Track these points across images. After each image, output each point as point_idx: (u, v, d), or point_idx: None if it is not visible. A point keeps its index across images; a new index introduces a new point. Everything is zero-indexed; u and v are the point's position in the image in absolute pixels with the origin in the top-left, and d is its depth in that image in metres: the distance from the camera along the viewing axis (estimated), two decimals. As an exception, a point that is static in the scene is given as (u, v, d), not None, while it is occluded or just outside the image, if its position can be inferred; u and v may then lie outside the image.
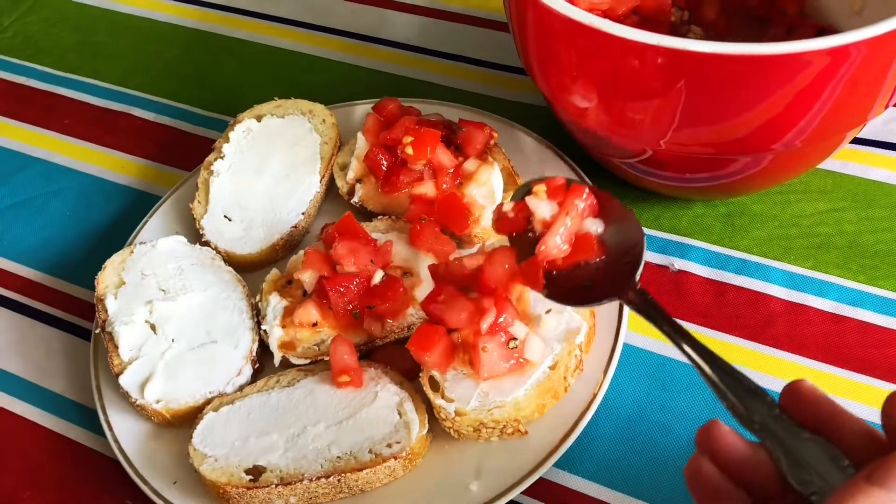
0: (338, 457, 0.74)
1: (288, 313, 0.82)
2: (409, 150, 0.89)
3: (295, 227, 0.93)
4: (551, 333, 0.77)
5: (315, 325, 0.81)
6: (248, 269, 0.91)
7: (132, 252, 0.90)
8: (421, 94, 1.09)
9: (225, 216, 0.94)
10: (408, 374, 0.79)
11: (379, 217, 0.92)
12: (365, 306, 0.81)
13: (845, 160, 0.94)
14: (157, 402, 0.79)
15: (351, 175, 0.94)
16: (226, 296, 0.86)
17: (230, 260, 0.91)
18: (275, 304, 0.83)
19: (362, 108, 1.03)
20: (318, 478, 0.72)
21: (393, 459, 0.73)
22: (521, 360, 0.75)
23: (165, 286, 0.86)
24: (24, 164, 1.13)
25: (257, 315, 0.85)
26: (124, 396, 0.80)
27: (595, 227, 0.69)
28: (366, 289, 0.82)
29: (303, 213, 0.93)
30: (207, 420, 0.78)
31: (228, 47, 1.26)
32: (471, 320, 0.74)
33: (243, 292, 0.87)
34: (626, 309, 0.80)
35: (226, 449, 0.75)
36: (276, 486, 0.72)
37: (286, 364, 0.82)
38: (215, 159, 0.97)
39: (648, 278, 0.88)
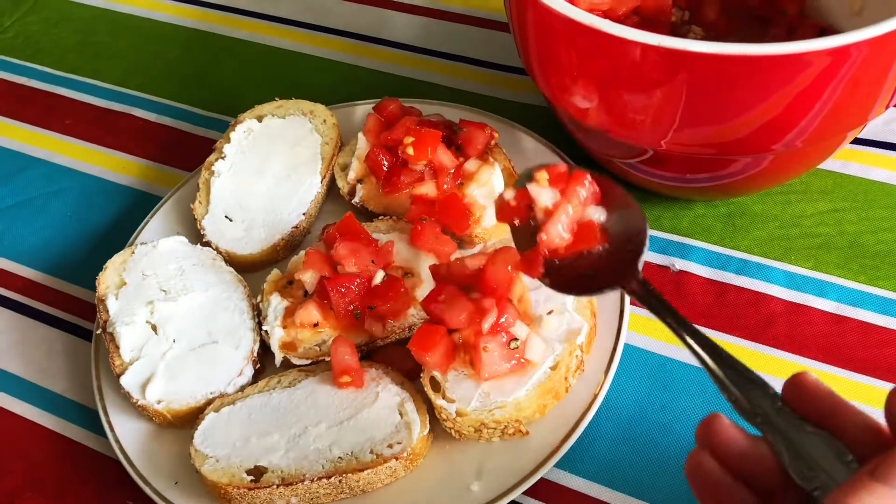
0: (339, 457, 0.74)
1: (289, 314, 0.82)
2: (410, 151, 0.89)
3: (296, 227, 0.93)
4: (552, 334, 0.77)
5: (316, 325, 0.81)
6: (249, 269, 0.91)
7: (133, 252, 0.90)
8: (422, 95, 1.09)
9: (226, 216, 0.94)
10: (409, 374, 0.79)
11: (380, 217, 0.92)
12: (366, 307, 0.81)
13: (846, 160, 0.94)
14: (159, 402, 0.79)
15: (352, 175, 0.94)
16: (227, 296, 0.86)
17: (231, 260, 0.91)
18: (276, 304, 0.83)
19: (363, 109, 1.03)
20: (320, 478, 0.72)
21: (394, 460, 0.73)
22: (522, 360, 0.75)
23: (166, 287, 0.86)
24: (24, 164, 1.13)
25: (258, 315, 0.85)
26: (125, 397, 0.80)
27: (597, 214, 0.68)
28: (367, 289, 0.82)
29: (304, 214, 0.94)
30: (209, 420, 0.78)
31: (229, 47, 1.26)
32: (472, 320, 0.74)
33: (244, 293, 0.87)
34: (628, 309, 0.80)
35: (227, 449, 0.75)
36: (278, 486, 0.72)
37: (287, 364, 0.83)
38: (216, 160, 0.97)
39: (649, 278, 0.87)
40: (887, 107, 0.75)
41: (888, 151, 0.95)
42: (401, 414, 0.76)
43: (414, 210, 0.88)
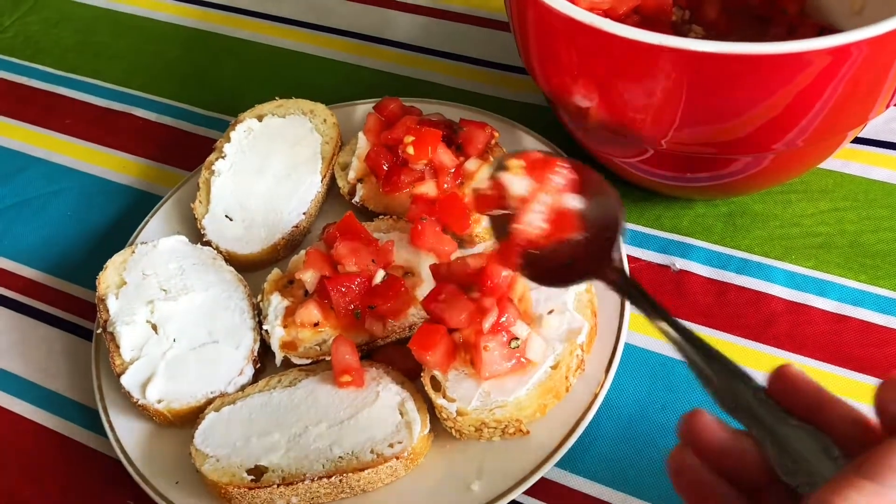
0: (339, 457, 0.74)
1: (289, 313, 0.82)
2: (411, 150, 0.89)
3: (296, 226, 0.93)
4: (553, 333, 0.77)
5: (316, 324, 0.81)
6: (249, 268, 0.91)
7: (133, 252, 0.90)
8: (423, 94, 1.09)
9: (226, 216, 0.94)
10: (409, 373, 0.79)
11: (380, 217, 0.92)
12: (366, 306, 0.81)
13: (846, 160, 0.94)
14: (159, 402, 0.79)
15: (352, 175, 0.94)
16: (227, 296, 0.86)
17: (231, 260, 0.91)
18: (276, 303, 0.83)
19: (363, 108, 1.03)
20: (320, 478, 0.72)
21: (395, 459, 0.73)
22: (522, 359, 0.75)
23: (167, 286, 0.86)
24: (25, 164, 1.13)
25: (259, 315, 0.85)
26: (126, 396, 0.80)
27: (574, 202, 0.66)
28: (367, 289, 0.82)
29: (304, 213, 0.93)
30: (209, 420, 0.78)
31: (230, 47, 1.26)
32: (472, 320, 0.74)
33: (245, 292, 0.87)
34: (628, 308, 0.80)
35: (227, 449, 0.75)
36: (278, 486, 0.72)
37: (287, 364, 0.83)
38: (216, 159, 0.97)
39: (650, 278, 0.88)
40: (888, 106, 0.75)
41: (889, 151, 0.95)
42: (401, 413, 0.76)
43: (414, 209, 0.88)
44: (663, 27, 0.89)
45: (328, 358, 0.79)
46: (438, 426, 0.76)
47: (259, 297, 0.86)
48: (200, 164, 0.99)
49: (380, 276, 0.82)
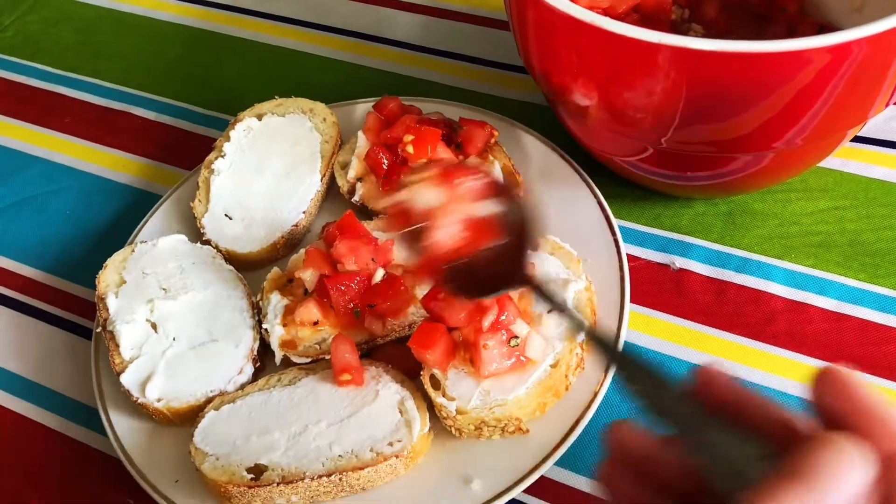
0: (339, 455, 0.74)
1: (289, 312, 0.82)
2: (410, 149, 0.89)
3: (296, 225, 0.93)
4: (553, 331, 0.77)
5: (316, 323, 0.81)
6: (248, 267, 0.91)
7: (133, 251, 0.90)
8: (423, 93, 1.08)
9: (226, 215, 0.94)
10: (409, 372, 0.79)
11: (380, 216, 0.92)
12: (366, 305, 0.81)
13: (846, 158, 0.94)
14: (159, 400, 0.79)
15: (352, 174, 0.94)
16: (227, 294, 0.86)
17: (231, 258, 0.91)
18: (276, 302, 0.83)
19: (363, 107, 1.03)
20: (320, 476, 0.72)
21: (394, 458, 0.73)
22: (522, 358, 0.75)
23: (166, 285, 0.86)
24: (24, 163, 1.13)
25: (258, 314, 0.85)
26: (125, 395, 0.80)
27: (489, 207, 0.64)
28: (367, 287, 0.82)
29: (303, 212, 0.93)
30: (209, 419, 0.78)
31: (230, 47, 1.26)
32: (471, 318, 0.74)
33: (244, 291, 0.87)
34: (628, 307, 0.80)
35: (227, 448, 0.75)
36: (278, 484, 0.72)
37: (287, 363, 0.82)
38: (216, 158, 0.97)
39: (650, 277, 0.88)
40: (887, 104, 0.75)
41: (888, 149, 0.95)
42: (401, 412, 0.76)
43: (414, 208, 0.88)
44: (663, 26, 0.89)
45: (328, 357, 0.79)
46: (438, 425, 0.76)
47: (258, 296, 0.86)
48: (200, 163, 0.99)
49: (379, 274, 0.82)
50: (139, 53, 1.27)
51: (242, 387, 0.81)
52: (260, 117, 1.01)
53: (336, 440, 0.74)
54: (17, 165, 1.12)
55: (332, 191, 0.98)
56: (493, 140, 0.93)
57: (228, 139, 0.99)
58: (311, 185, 0.95)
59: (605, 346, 0.53)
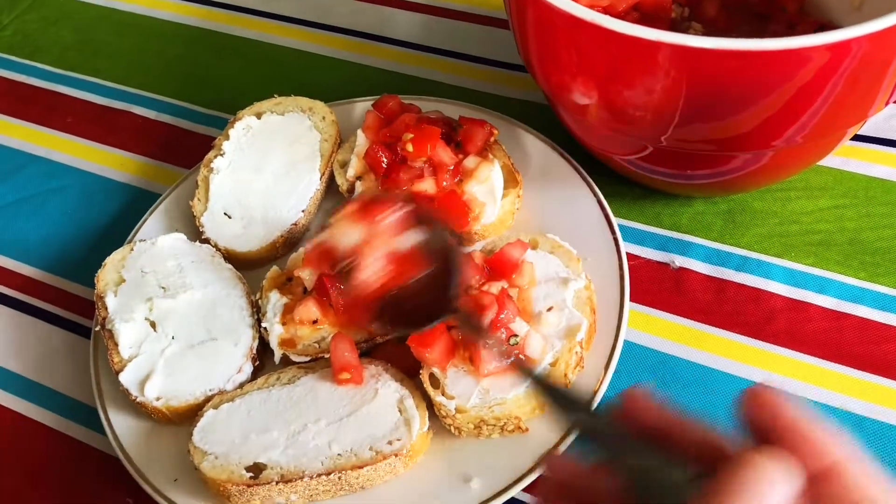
0: (338, 454, 0.73)
1: (288, 310, 0.82)
2: (410, 148, 0.89)
3: (295, 224, 0.92)
4: (552, 330, 0.77)
5: (315, 322, 0.81)
6: (248, 266, 0.91)
7: (132, 249, 0.90)
8: (423, 92, 1.08)
9: (225, 213, 0.94)
10: (408, 371, 0.79)
11: (379, 214, 0.91)
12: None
13: (846, 157, 0.94)
14: (157, 399, 0.79)
15: (351, 172, 0.94)
16: (226, 293, 0.86)
17: (230, 257, 0.91)
18: (275, 301, 0.83)
19: (362, 106, 1.03)
20: (319, 475, 0.72)
21: (393, 457, 0.73)
22: (521, 356, 0.75)
23: (165, 283, 0.86)
24: (24, 162, 1.13)
25: (257, 312, 0.85)
26: (124, 394, 0.80)
27: (412, 238, 0.65)
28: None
29: (303, 211, 0.93)
30: (208, 417, 0.77)
31: (231, 46, 1.26)
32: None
33: (243, 290, 0.87)
34: (627, 305, 0.80)
35: (226, 446, 0.75)
36: (277, 483, 0.72)
37: (286, 361, 0.82)
38: (215, 157, 0.97)
39: (649, 275, 0.88)
40: (887, 103, 0.75)
41: (888, 148, 0.95)
42: (400, 411, 0.76)
43: (413, 207, 0.88)
44: (662, 24, 0.89)
45: (327, 355, 0.79)
46: (437, 423, 0.76)
47: (258, 295, 0.86)
48: (199, 162, 0.99)
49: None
50: (139, 52, 1.27)
51: (241, 385, 0.81)
52: (259, 116, 1.01)
53: (335, 439, 0.74)
54: (17, 164, 1.12)
55: (331, 189, 0.98)
56: (492, 139, 0.93)
57: (228, 138, 0.99)
58: (311, 184, 0.95)
59: (533, 378, 0.54)
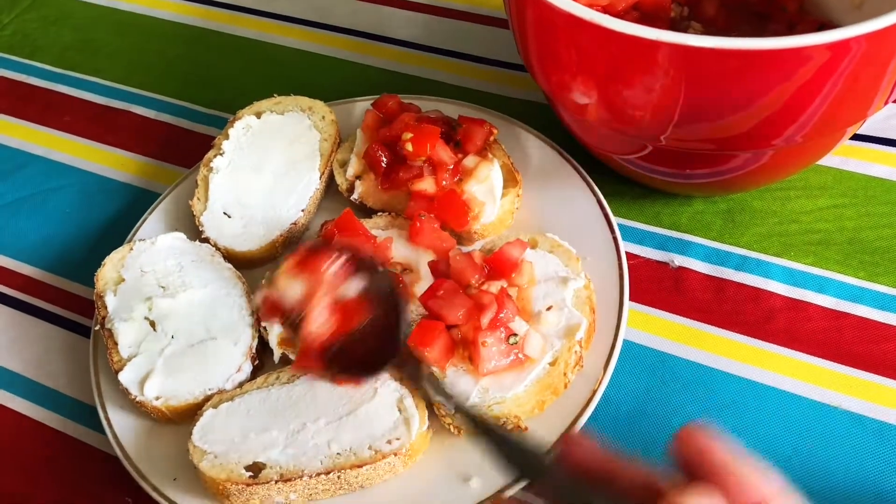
0: (337, 453, 0.73)
1: (287, 310, 0.82)
2: (409, 147, 0.88)
3: (294, 223, 0.92)
4: (551, 329, 0.77)
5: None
6: (247, 265, 0.91)
7: (132, 249, 0.90)
8: (423, 92, 1.08)
9: (224, 213, 0.94)
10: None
11: (378, 214, 0.91)
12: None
13: (845, 156, 0.94)
14: (157, 398, 0.79)
15: (350, 172, 0.94)
16: (225, 293, 0.86)
17: (230, 257, 0.91)
18: (274, 300, 0.83)
19: (362, 105, 1.03)
20: (318, 474, 0.72)
21: (393, 456, 0.73)
22: (520, 356, 0.75)
23: (165, 283, 0.86)
24: (24, 161, 1.13)
25: (257, 312, 0.85)
26: (124, 393, 0.80)
27: (355, 285, 0.66)
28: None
29: (302, 210, 0.93)
30: (207, 417, 0.77)
31: (231, 45, 1.26)
32: (470, 316, 0.74)
33: (243, 289, 0.87)
34: (626, 305, 0.80)
35: (225, 445, 0.75)
36: (276, 482, 0.72)
37: (286, 361, 0.82)
38: (215, 156, 0.97)
39: (649, 275, 0.88)
40: (887, 102, 0.75)
41: (888, 147, 0.95)
42: (399, 410, 0.76)
43: (412, 206, 0.88)
44: (662, 24, 0.89)
45: (326, 354, 0.79)
46: (437, 423, 0.76)
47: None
48: (199, 162, 0.99)
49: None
50: (139, 52, 1.27)
51: (241, 385, 0.81)
52: (259, 115, 1.01)
53: (334, 438, 0.74)
54: (17, 164, 1.12)
55: (330, 189, 0.98)
56: (492, 138, 0.93)
57: (227, 137, 0.99)
58: (310, 183, 0.95)
59: (476, 423, 0.56)
